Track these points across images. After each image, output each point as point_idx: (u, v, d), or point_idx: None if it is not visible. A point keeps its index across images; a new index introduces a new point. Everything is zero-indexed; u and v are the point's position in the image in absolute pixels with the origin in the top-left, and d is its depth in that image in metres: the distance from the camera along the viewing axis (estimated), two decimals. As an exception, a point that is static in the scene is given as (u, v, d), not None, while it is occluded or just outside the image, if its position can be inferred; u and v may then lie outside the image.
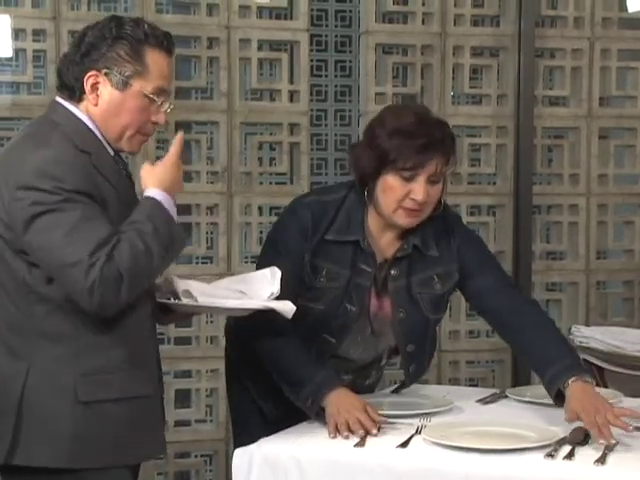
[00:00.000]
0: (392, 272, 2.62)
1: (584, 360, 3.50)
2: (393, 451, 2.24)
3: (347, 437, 2.33)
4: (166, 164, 2.28)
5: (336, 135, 5.16)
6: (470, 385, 4.31)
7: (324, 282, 2.58)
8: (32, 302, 2.17)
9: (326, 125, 5.12)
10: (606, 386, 3.37)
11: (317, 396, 2.44)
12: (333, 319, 2.60)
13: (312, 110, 5.15)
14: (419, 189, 2.49)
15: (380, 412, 2.49)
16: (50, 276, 2.15)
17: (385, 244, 2.63)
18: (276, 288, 2.39)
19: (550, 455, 2.16)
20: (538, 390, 2.88)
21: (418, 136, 2.47)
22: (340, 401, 2.41)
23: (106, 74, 2.24)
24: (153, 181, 2.25)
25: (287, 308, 2.37)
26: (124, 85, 2.24)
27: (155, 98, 2.26)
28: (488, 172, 4.56)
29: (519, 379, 4.30)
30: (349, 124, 5.18)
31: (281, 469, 2.25)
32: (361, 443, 2.29)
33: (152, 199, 2.22)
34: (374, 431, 2.34)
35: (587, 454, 2.17)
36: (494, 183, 4.56)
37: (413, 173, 2.48)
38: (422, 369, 2.77)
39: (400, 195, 2.51)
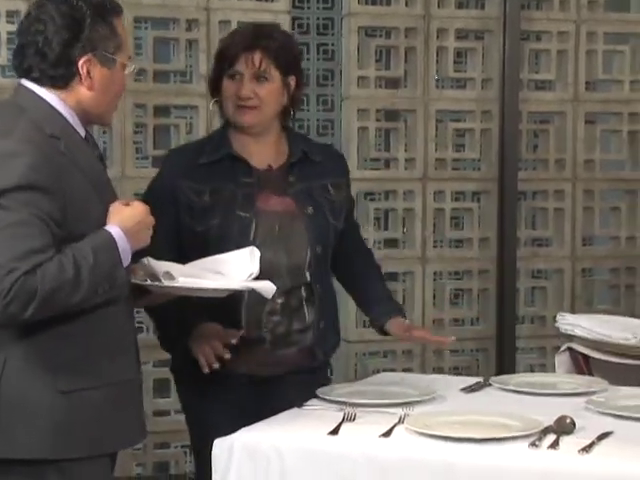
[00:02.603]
0: (290, 179, 2.80)
1: (569, 348, 3.52)
2: (375, 441, 2.25)
3: (214, 365, 2.61)
4: (136, 210, 2.26)
5: (318, 120, 5.13)
6: (454, 374, 4.32)
7: (209, 200, 2.73)
8: None
9: (308, 110, 5.10)
10: (591, 374, 3.38)
11: (183, 339, 2.66)
12: (231, 228, 2.71)
13: (293, 94, 5.15)
14: (241, 85, 2.72)
15: (362, 401, 2.51)
16: None
17: (260, 152, 2.79)
18: (255, 268, 2.42)
19: (534, 444, 2.17)
20: (523, 378, 2.90)
21: (243, 34, 2.77)
22: (197, 335, 2.64)
23: (95, 56, 2.23)
24: (118, 219, 2.23)
25: (267, 288, 2.40)
26: (112, 62, 2.26)
27: (130, 66, 2.31)
28: (472, 157, 4.57)
29: (504, 367, 4.32)
30: (332, 109, 5.17)
31: (262, 459, 2.25)
32: (335, 431, 2.29)
33: (107, 234, 2.19)
34: (227, 356, 2.62)
35: (572, 443, 2.17)
36: (478, 169, 4.57)
37: (234, 70, 2.73)
38: (329, 294, 2.88)
39: (230, 94, 2.74)
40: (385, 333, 2.93)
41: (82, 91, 2.25)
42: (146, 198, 2.72)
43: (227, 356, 2.64)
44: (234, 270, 2.42)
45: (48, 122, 2.21)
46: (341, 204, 2.89)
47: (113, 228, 2.20)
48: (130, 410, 2.29)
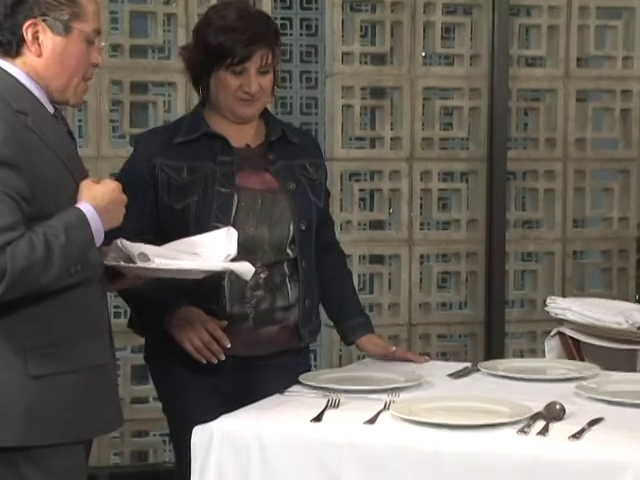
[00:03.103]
0: (270, 157, 2.84)
1: (559, 333, 3.54)
2: (360, 427, 2.25)
3: (212, 360, 2.64)
4: (108, 187, 2.25)
5: (301, 98, 5.13)
6: (442, 359, 4.33)
7: (187, 177, 2.76)
8: None
9: (291, 87, 5.09)
10: (582, 359, 3.40)
11: (163, 321, 2.67)
12: (212, 205, 2.73)
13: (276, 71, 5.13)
14: (250, 81, 2.75)
15: (346, 387, 2.51)
16: None
17: (239, 133, 2.82)
18: (233, 249, 2.42)
19: (523, 431, 2.17)
20: (512, 364, 2.91)
21: (242, 31, 2.74)
22: (181, 319, 2.66)
23: (44, 21, 2.22)
24: (90, 197, 2.21)
25: (245, 269, 2.40)
26: (65, 30, 2.24)
27: (95, 40, 2.28)
28: (461, 136, 4.57)
29: (492, 353, 4.34)
30: (315, 86, 5.16)
31: (243, 447, 2.25)
32: (318, 418, 2.29)
33: (79, 212, 2.18)
34: (227, 344, 2.64)
35: (562, 430, 2.18)
36: (467, 148, 4.57)
37: (242, 67, 2.74)
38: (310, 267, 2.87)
39: (233, 89, 2.76)
40: (352, 344, 2.98)
41: (32, 58, 2.23)
42: (122, 178, 2.71)
43: (228, 345, 2.67)
44: (211, 251, 2.42)
45: (15, 97, 2.20)
46: (321, 184, 2.92)
47: (85, 205, 2.19)
48: (105, 395, 2.29)
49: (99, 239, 2.21)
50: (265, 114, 2.89)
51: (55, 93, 2.28)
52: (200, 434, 2.30)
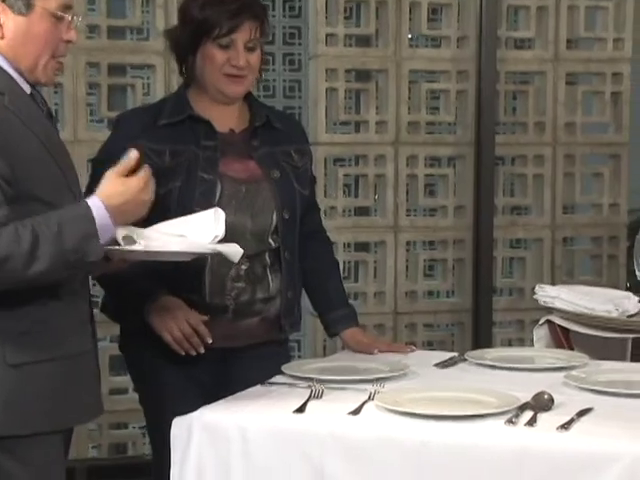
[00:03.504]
0: (254, 143, 2.83)
1: (548, 321, 3.55)
2: (344, 418, 2.25)
3: (184, 343, 2.65)
4: (129, 185, 2.23)
5: (284, 81, 5.12)
6: (428, 349, 4.35)
7: (169, 161, 2.74)
8: None
9: (274, 70, 5.08)
10: (572, 348, 3.41)
11: (142, 308, 2.67)
12: (194, 191, 2.72)
13: (258, 53, 5.11)
14: (237, 54, 2.74)
15: (331, 377, 2.52)
16: None
17: (223, 116, 2.81)
18: (220, 230, 2.40)
19: (511, 421, 2.18)
20: (499, 353, 2.92)
21: (229, 2, 2.74)
22: (161, 307, 2.66)
23: (3, 1, 2.20)
24: (106, 193, 2.20)
25: (234, 251, 2.39)
26: (26, 8, 2.22)
27: (63, 14, 2.25)
28: (448, 120, 4.57)
29: (480, 342, 4.35)
30: (298, 69, 5.15)
31: (224, 439, 2.25)
32: (301, 409, 2.30)
33: (85, 204, 2.18)
34: (209, 339, 2.65)
35: (550, 420, 2.19)
36: (454, 132, 4.57)
37: (229, 39, 2.74)
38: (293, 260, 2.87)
39: (220, 63, 2.75)
40: (335, 335, 2.98)
41: None
42: (100, 160, 2.70)
43: (210, 340, 2.67)
44: (198, 233, 2.41)
45: None
46: (305, 171, 2.91)
47: (94, 200, 2.18)
48: (85, 384, 2.29)
49: (105, 234, 2.18)
50: (249, 98, 2.88)
51: (26, 73, 2.26)
52: (179, 426, 2.30)
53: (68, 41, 2.29)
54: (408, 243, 4.54)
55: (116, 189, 2.22)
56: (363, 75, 4.53)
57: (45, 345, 2.20)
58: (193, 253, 2.41)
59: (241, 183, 2.78)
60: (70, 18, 2.27)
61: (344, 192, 4.50)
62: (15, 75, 2.25)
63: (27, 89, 2.27)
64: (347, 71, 4.43)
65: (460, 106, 4.51)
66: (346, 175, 4.51)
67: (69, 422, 2.29)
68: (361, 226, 4.46)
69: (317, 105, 4.38)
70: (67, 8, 2.27)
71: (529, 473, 2.07)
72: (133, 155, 2.27)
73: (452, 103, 4.50)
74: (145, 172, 2.27)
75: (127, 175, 2.25)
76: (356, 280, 4.56)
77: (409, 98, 4.46)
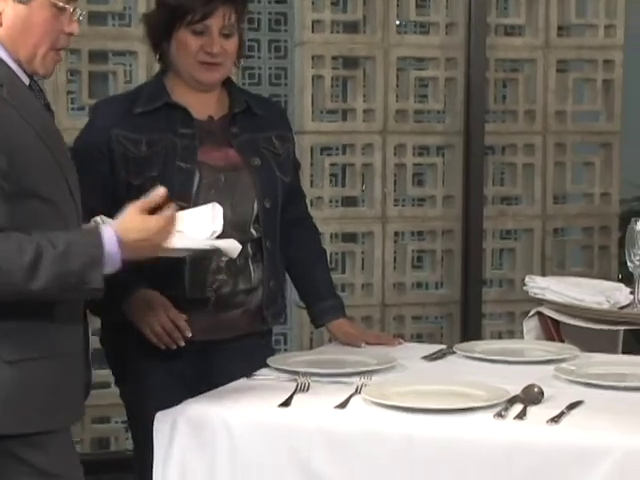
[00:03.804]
0: (233, 130, 2.82)
1: (538, 313, 3.55)
2: (331, 412, 2.26)
3: (164, 338, 2.64)
4: (148, 224, 2.21)
5: (270, 68, 5.11)
6: (416, 342, 4.35)
7: (145, 150, 2.74)
8: None
9: (259, 57, 5.07)
10: (562, 340, 3.42)
11: (121, 302, 2.67)
12: (172, 181, 2.68)
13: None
14: (211, 41, 2.73)
15: (317, 371, 2.52)
16: None
17: (201, 103, 2.80)
18: (219, 226, 2.40)
19: (500, 415, 2.19)
20: (489, 345, 2.93)
21: None
22: (141, 301, 2.66)
23: None
24: (123, 226, 2.19)
25: (232, 247, 2.39)
26: None
27: (65, 5, 2.24)
28: (436, 109, 4.58)
29: (469, 334, 4.36)
30: (284, 56, 5.14)
31: (208, 433, 2.25)
32: (287, 403, 2.30)
33: (97, 231, 2.16)
34: (189, 333, 2.65)
35: (540, 414, 2.19)
36: (443, 121, 4.58)
37: (202, 26, 2.73)
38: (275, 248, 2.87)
39: (194, 50, 2.74)
40: (322, 327, 2.98)
41: None
42: (76, 150, 2.70)
43: (189, 334, 2.66)
44: (195, 228, 2.40)
45: None
46: (287, 158, 2.90)
47: (107, 229, 2.18)
48: (75, 384, 2.28)
49: (112, 265, 2.17)
50: (228, 84, 2.87)
51: (24, 64, 2.24)
52: (162, 420, 2.30)
53: (69, 33, 2.27)
54: (396, 234, 4.55)
55: (134, 225, 2.20)
56: (350, 62, 4.53)
57: (43, 342, 2.18)
58: (191, 249, 2.40)
59: (220, 172, 2.77)
60: (72, 10, 2.25)
61: (331, 182, 4.50)
62: (14, 66, 2.23)
63: (26, 80, 2.26)
64: (334, 58, 4.43)
65: (449, 94, 4.51)
66: (333, 164, 4.51)
67: (64, 422, 2.27)
68: (348, 217, 4.46)
69: (303, 93, 4.37)
70: (69, 1, 2.25)
71: (518, 467, 2.08)
72: (159, 192, 2.26)
73: (441, 91, 4.50)
74: (169, 213, 2.24)
75: (150, 212, 2.23)
76: (343, 271, 4.56)
77: (397, 86, 4.46)
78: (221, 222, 2.42)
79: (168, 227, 2.24)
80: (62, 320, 2.22)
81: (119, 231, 2.18)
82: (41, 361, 2.19)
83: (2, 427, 2.15)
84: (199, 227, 2.40)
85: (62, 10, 2.24)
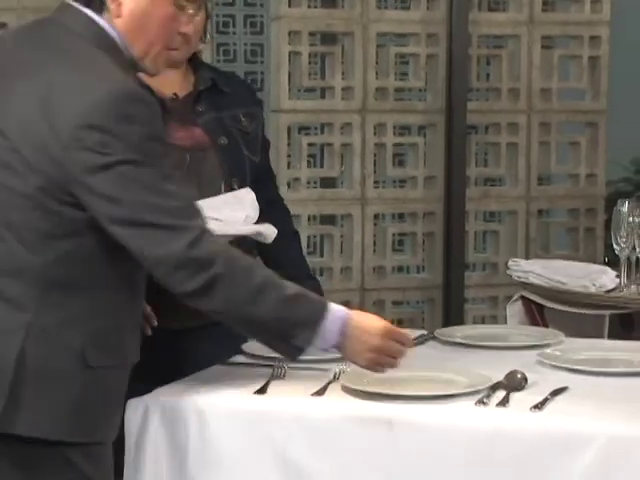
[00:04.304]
0: (198, 108, 2.81)
1: (522, 298, 3.57)
2: (308, 400, 2.26)
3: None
4: (383, 344, 2.19)
5: (246, 44, 5.11)
6: (397, 327, 4.35)
7: None
8: (51, 241, 2.07)
9: (234, 33, 5.07)
10: (546, 325, 3.45)
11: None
12: None
13: (217, 16, 5.07)
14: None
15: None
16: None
17: (165, 81, 2.74)
18: (252, 211, 2.38)
19: (482, 401, 2.20)
20: (471, 331, 2.94)
21: None
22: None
23: None
24: (364, 320, 2.20)
25: (270, 231, 2.40)
26: None
27: (185, 4, 2.23)
28: (417, 86, 4.58)
29: (451, 319, 4.37)
30: (260, 32, 5.15)
31: (181, 421, 2.25)
32: (262, 390, 2.30)
33: (329, 305, 2.16)
34: (155, 322, 2.60)
35: (523, 400, 2.21)
36: (424, 99, 4.57)
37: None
38: None
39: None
40: None
41: (111, 19, 2.16)
42: None
43: (155, 323, 2.65)
44: (230, 214, 2.40)
45: (117, 58, 2.15)
46: (256, 136, 2.89)
47: (344, 312, 2.17)
48: (125, 397, 2.26)
49: (323, 340, 2.15)
50: (194, 60, 2.85)
51: (135, 60, 2.20)
52: (134, 408, 2.30)
53: (184, 34, 2.26)
54: (376, 216, 4.55)
55: (370, 331, 2.19)
56: (328, 38, 4.53)
57: (119, 350, 2.17)
58: (231, 235, 2.39)
59: (186, 151, 2.75)
60: (192, 11, 2.25)
61: (308, 162, 4.50)
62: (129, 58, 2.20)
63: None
64: (311, 34, 4.41)
65: (430, 71, 4.51)
66: (310, 144, 4.50)
67: (115, 435, 2.23)
68: (326, 198, 4.46)
69: (279, 70, 4.36)
70: (190, 0, 2.24)
71: (501, 455, 2.09)
72: (410, 339, 2.26)
73: (422, 68, 4.50)
74: (407, 351, 2.23)
75: (392, 338, 2.21)
76: (321, 255, 4.56)
77: (377, 63, 4.45)
78: (257, 206, 2.39)
79: (389, 359, 2.22)
80: (133, 329, 2.21)
81: (354, 321, 2.17)
82: (114, 370, 2.17)
83: (70, 434, 2.11)
84: (234, 212, 2.40)
85: (182, 9, 2.23)
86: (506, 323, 3.70)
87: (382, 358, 2.21)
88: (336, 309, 2.18)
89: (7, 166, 2.07)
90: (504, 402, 2.20)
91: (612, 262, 3.72)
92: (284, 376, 2.40)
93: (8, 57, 2.18)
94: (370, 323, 2.22)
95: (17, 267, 2.08)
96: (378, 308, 4.51)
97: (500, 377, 2.32)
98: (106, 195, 2.03)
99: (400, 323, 4.57)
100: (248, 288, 2.11)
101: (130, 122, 2.03)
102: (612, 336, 3.48)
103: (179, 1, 2.21)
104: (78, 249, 2.08)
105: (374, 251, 4.53)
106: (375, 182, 4.54)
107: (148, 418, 2.28)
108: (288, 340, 2.15)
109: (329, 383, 2.34)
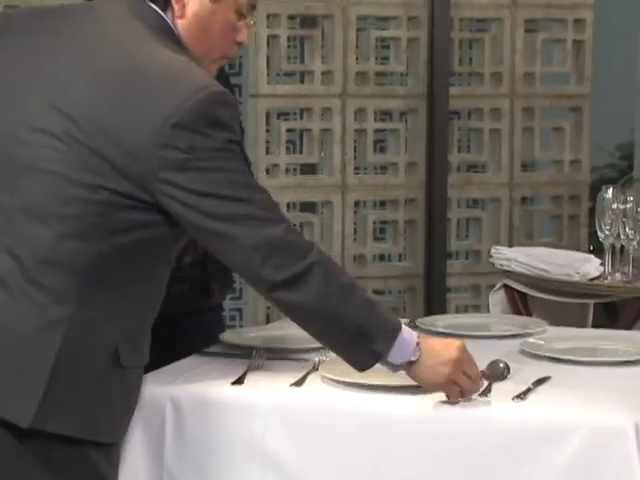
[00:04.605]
0: None
1: (505, 286, 3.58)
2: (287, 390, 2.26)
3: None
4: (459, 360, 2.14)
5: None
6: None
7: None
8: (105, 236, 2.06)
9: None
10: (530, 314, 3.46)
11: None
12: None
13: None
14: None
15: (272, 346, 2.53)
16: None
17: None
18: None
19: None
20: (453, 320, 2.94)
21: None
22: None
23: None
24: (436, 347, 2.16)
25: None
26: None
27: (247, 14, 2.20)
28: (398, 71, 4.58)
29: (433, 308, 4.38)
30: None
31: (156, 413, 2.25)
32: (240, 380, 2.30)
33: (397, 330, 2.11)
34: None
35: (505, 390, 2.21)
36: (405, 84, 4.57)
37: None
38: None
39: None
40: None
41: (175, 17, 2.15)
42: None
43: None
44: None
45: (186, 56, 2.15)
46: None
47: (410, 332, 2.13)
48: None
49: (400, 353, 2.10)
50: None
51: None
52: (109, 399, 2.29)
53: (240, 43, 2.23)
54: (356, 203, 4.55)
55: (443, 350, 2.15)
56: (308, 21, 4.52)
57: (143, 351, 2.17)
58: None
59: None
60: (251, 21, 2.22)
61: (287, 148, 4.49)
62: None
63: None
64: (290, 17, 4.41)
65: (411, 55, 4.51)
66: (289, 130, 4.50)
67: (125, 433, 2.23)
68: (306, 185, 4.45)
69: (258, 54, 4.35)
70: (252, 9, 2.22)
71: (484, 445, 2.10)
72: (482, 382, 2.20)
73: (403, 52, 4.50)
74: (479, 387, 2.18)
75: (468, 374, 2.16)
76: (301, 243, 4.55)
77: (357, 46, 4.45)
78: None
79: (458, 389, 2.15)
80: (150, 329, 2.20)
81: (425, 343, 2.14)
82: (138, 370, 2.17)
83: (97, 434, 2.10)
84: None
85: (242, 18, 2.20)
86: (489, 312, 3.72)
87: (460, 377, 2.14)
88: (406, 327, 2.15)
89: (67, 156, 2.04)
90: (486, 392, 2.20)
91: (596, 250, 3.74)
92: (262, 366, 2.40)
93: (53, 35, 2.15)
94: (453, 350, 2.16)
95: (62, 258, 2.04)
96: (359, 297, 4.52)
97: (482, 367, 2.32)
98: (197, 191, 2.02)
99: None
100: (341, 283, 2.08)
101: (219, 126, 2.03)
102: (596, 325, 3.51)
103: (241, 9, 2.19)
104: (127, 246, 2.07)
105: (354, 239, 4.53)
106: (356, 168, 4.54)
107: (123, 409, 2.28)
108: (368, 345, 2.10)
109: (308, 373, 2.34)
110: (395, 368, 2.13)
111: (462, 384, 2.13)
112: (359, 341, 2.10)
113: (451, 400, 2.14)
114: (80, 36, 2.14)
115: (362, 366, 2.13)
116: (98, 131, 2.03)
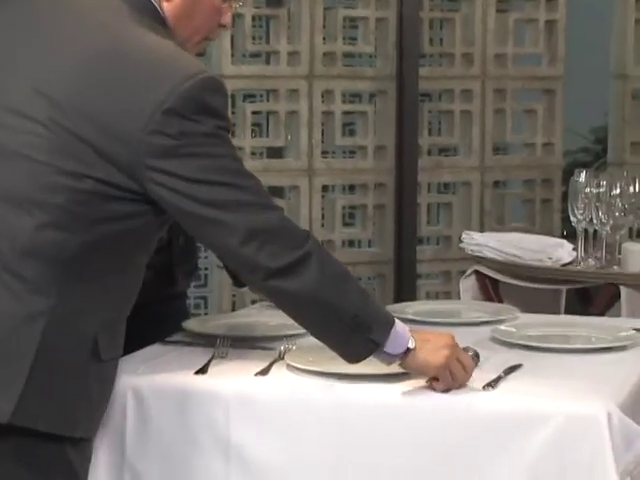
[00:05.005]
0: None
1: (476, 272, 3.59)
2: (251, 380, 2.26)
3: None
4: (456, 346, 2.15)
5: (186, 7, 5.08)
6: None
7: None
8: (87, 226, 2.04)
9: None
10: (501, 301, 3.47)
11: None
12: None
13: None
14: None
15: (237, 335, 2.53)
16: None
17: None
18: None
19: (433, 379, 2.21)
20: (422, 306, 2.95)
21: None
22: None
23: None
24: (427, 337, 2.15)
25: None
26: None
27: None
28: (367, 51, 4.58)
29: (403, 295, 4.39)
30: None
31: (118, 403, 2.23)
32: (203, 370, 2.30)
33: (392, 320, 2.10)
34: None
35: (476, 378, 2.21)
36: (374, 65, 4.58)
37: None
38: None
39: None
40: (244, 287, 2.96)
41: (161, 0, 2.16)
42: None
43: None
44: None
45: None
46: None
47: (403, 326, 2.12)
48: None
49: (394, 344, 2.10)
50: None
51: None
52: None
53: (223, 25, 2.25)
54: (324, 188, 4.56)
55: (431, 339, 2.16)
56: (273, 0, 4.51)
57: (119, 343, 2.16)
58: None
59: None
60: (236, 4, 2.25)
61: (253, 131, 4.49)
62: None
63: None
64: (255, -4, 4.41)
65: (380, 36, 4.51)
66: (255, 112, 4.49)
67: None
68: (272, 169, 4.45)
69: (222, 34, 4.33)
70: None
71: (453, 434, 2.10)
72: (474, 364, 2.21)
73: (371, 32, 4.50)
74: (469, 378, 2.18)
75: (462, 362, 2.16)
76: (267, 228, 4.55)
77: (324, 26, 4.45)
78: None
79: (457, 375, 2.15)
80: (125, 320, 2.19)
81: (417, 334, 2.14)
82: (114, 363, 2.16)
83: (73, 430, 2.09)
84: None
85: (227, 0, 2.22)
86: (459, 299, 3.72)
87: (454, 364, 2.15)
88: (398, 325, 2.14)
89: (51, 143, 2.03)
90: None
91: (570, 235, 3.75)
92: (226, 355, 2.40)
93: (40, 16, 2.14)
94: (444, 338, 2.17)
95: (42, 248, 2.02)
96: (326, 284, 4.53)
97: (452, 354, 2.33)
98: (187, 177, 2.02)
99: (350, 299, 4.58)
100: (336, 272, 2.09)
101: (210, 112, 2.03)
102: (569, 311, 3.52)
103: None
104: (111, 236, 2.06)
105: (322, 224, 4.54)
106: (323, 152, 4.55)
107: (83, 400, 2.27)
108: (365, 334, 2.09)
109: (274, 362, 2.34)
110: (391, 359, 2.13)
111: (455, 371, 2.14)
112: (356, 331, 2.09)
113: (438, 387, 2.14)
114: (62, 17, 2.13)
115: (356, 357, 2.13)
116: (84, 116, 2.02)
